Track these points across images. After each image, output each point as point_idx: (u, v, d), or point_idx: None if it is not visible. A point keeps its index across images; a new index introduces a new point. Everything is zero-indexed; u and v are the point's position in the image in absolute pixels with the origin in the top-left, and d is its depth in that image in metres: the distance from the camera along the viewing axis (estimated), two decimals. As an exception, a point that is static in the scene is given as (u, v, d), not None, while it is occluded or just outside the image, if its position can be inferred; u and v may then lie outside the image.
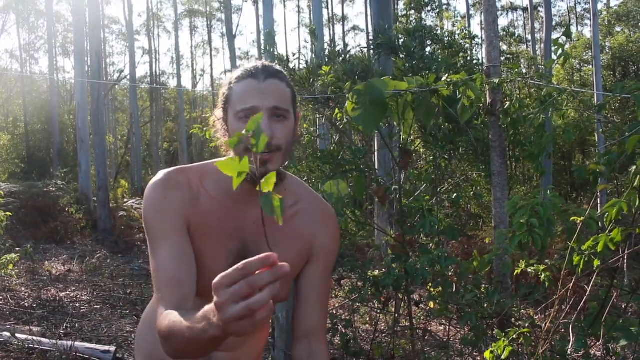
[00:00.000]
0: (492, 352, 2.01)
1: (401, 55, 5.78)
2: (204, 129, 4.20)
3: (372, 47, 6.57)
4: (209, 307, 0.98)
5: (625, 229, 1.80)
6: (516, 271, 2.50)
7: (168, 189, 1.31)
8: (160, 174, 1.35)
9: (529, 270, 2.45)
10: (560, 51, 2.50)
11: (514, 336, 2.05)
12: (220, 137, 1.34)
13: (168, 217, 1.29)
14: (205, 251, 1.32)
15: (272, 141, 1.23)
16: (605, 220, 1.72)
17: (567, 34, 2.59)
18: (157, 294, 1.26)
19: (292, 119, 1.29)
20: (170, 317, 1.15)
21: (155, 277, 1.27)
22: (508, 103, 3.57)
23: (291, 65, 5.79)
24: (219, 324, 0.91)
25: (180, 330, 1.08)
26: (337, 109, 3.19)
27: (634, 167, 1.72)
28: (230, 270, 0.88)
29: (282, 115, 1.26)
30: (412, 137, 5.58)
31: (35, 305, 5.64)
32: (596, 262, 1.86)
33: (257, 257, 0.87)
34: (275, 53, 6.06)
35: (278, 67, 1.31)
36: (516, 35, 28.30)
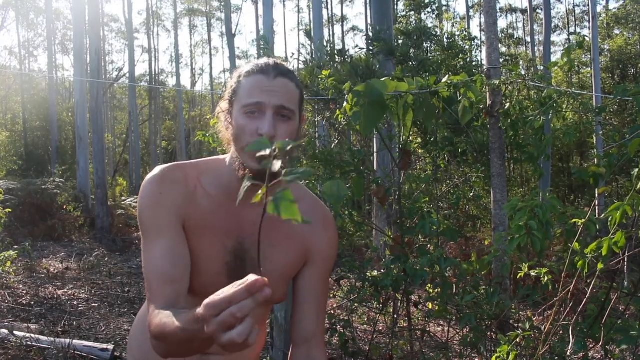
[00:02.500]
0: (497, 357, 2.01)
1: (397, 58, 5.79)
2: (207, 134, 4.22)
3: (367, 49, 6.58)
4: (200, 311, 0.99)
5: (626, 231, 1.80)
6: (519, 274, 2.50)
7: (163, 185, 1.29)
8: (157, 169, 1.33)
9: (532, 273, 2.46)
10: (566, 59, 2.51)
11: (517, 340, 2.06)
12: (222, 130, 1.33)
13: (162, 214, 1.27)
14: (201, 249, 1.31)
15: (274, 140, 1.22)
16: (609, 223, 1.72)
17: (580, 44, 2.62)
18: (148, 291, 1.24)
19: (296, 120, 1.28)
20: (161, 317, 1.13)
21: (147, 274, 1.25)
22: (508, 105, 3.58)
23: (290, 66, 5.80)
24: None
25: (172, 331, 1.08)
26: (337, 111, 3.19)
27: (636, 170, 1.72)
28: (216, 299, 0.89)
29: (287, 115, 1.25)
30: (411, 139, 5.59)
31: (33, 303, 5.63)
32: (600, 266, 1.87)
33: (243, 286, 0.88)
34: (272, 55, 6.07)
35: (289, 67, 1.30)
36: (515, 37, 28.33)
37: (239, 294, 0.87)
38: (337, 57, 6.18)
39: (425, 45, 6.74)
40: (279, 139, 1.23)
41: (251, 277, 0.89)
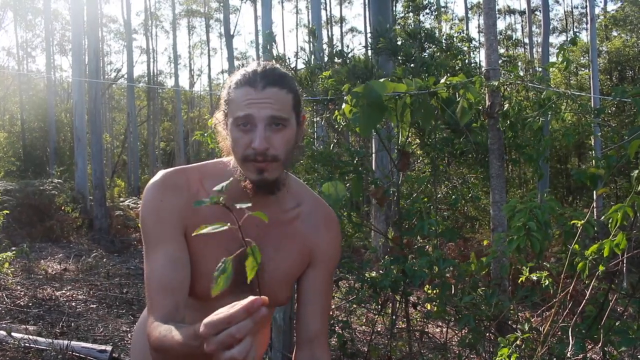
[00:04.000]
0: (499, 360, 2.01)
1: (400, 58, 5.78)
2: (205, 134, 4.19)
3: (370, 47, 6.57)
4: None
5: (625, 233, 1.80)
6: (520, 278, 2.50)
7: (165, 192, 1.28)
8: (159, 175, 1.32)
9: (532, 275, 2.46)
10: (561, 57, 2.52)
11: (517, 342, 2.06)
12: (221, 140, 1.32)
13: (164, 221, 1.26)
14: (205, 253, 1.30)
15: (268, 152, 1.20)
16: (610, 225, 1.72)
17: (574, 42, 2.64)
18: (148, 300, 1.24)
19: (292, 127, 1.26)
20: (161, 330, 1.13)
21: (147, 283, 1.25)
22: (507, 106, 3.58)
23: (291, 66, 5.80)
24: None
25: (171, 346, 1.08)
26: (336, 111, 3.19)
27: (636, 172, 1.72)
28: (214, 319, 0.91)
29: (280, 124, 1.22)
30: (409, 139, 5.58)
31: (31, 304, 5.62)
32: (601, 268, 1.87)
33: (242, 307, 0.90)
34: (275, 53, 6.04)
35: (280, 71, 1.26)
36: (513, 39, 28.36)
37: (237, 314, 0.89)
38: (336, 58, 6.18)
39: (425, 46, 6.73)
40: (273, 150, 1.21)
41: (250, 298, 0.90)
